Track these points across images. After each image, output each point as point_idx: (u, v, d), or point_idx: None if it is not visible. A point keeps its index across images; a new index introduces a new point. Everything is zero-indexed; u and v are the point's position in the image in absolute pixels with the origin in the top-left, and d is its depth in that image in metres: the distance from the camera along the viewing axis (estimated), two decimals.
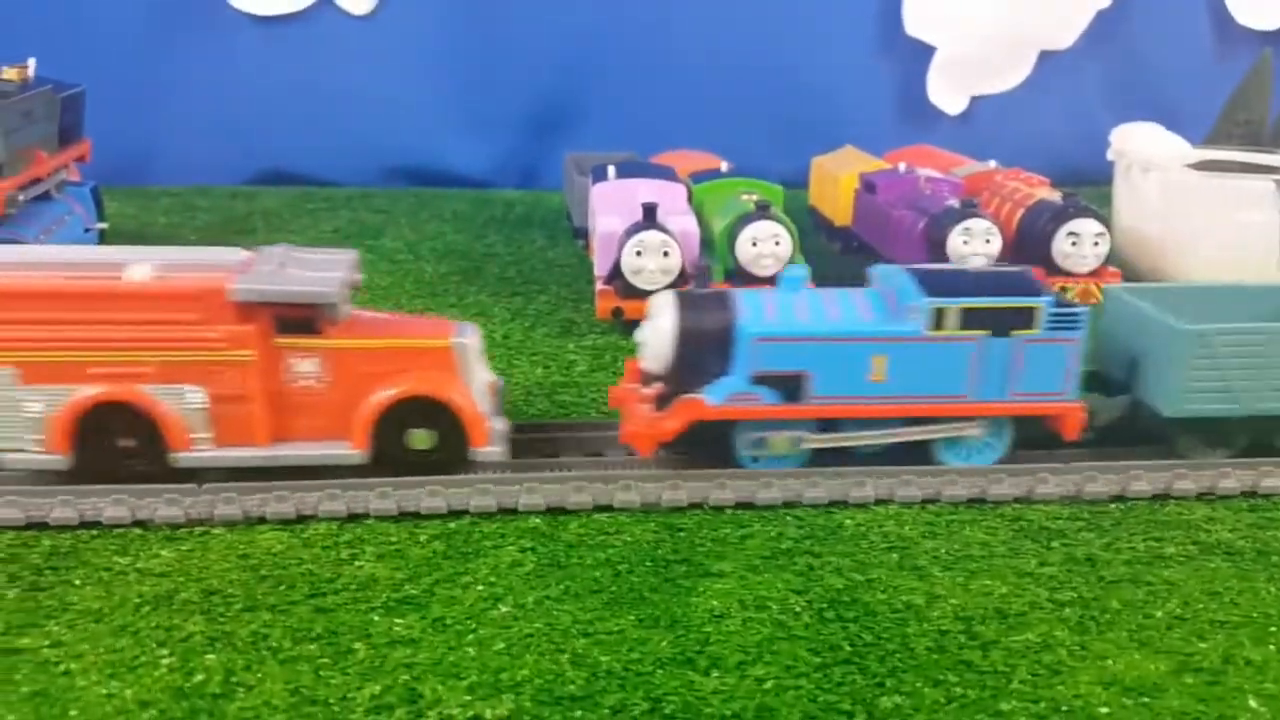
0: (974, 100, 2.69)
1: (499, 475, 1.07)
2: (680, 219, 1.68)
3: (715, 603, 0.91)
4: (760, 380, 1.08)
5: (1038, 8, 2.59)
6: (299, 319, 1.02)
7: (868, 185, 1.95)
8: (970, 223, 1.63)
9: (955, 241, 1.63)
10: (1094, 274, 1.67)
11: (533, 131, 2.67)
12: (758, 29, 2.64)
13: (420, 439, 1.05)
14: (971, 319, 1.08)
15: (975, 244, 1.63)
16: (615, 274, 1.59)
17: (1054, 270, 1.66)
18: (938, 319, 1.08)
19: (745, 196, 1.74)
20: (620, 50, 2.63)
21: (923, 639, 0.87)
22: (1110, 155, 1.97)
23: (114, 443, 1.03)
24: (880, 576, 0.96)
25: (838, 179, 2.10)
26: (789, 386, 1.08)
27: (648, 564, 0.97)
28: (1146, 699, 0.80)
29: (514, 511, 1.05)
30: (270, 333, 1.02)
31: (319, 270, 1.05)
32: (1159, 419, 1.14)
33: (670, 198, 1.76)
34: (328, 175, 2.62)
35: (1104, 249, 1.66)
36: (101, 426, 1.02)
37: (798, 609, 0.90)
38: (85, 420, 1.01)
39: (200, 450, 1.03)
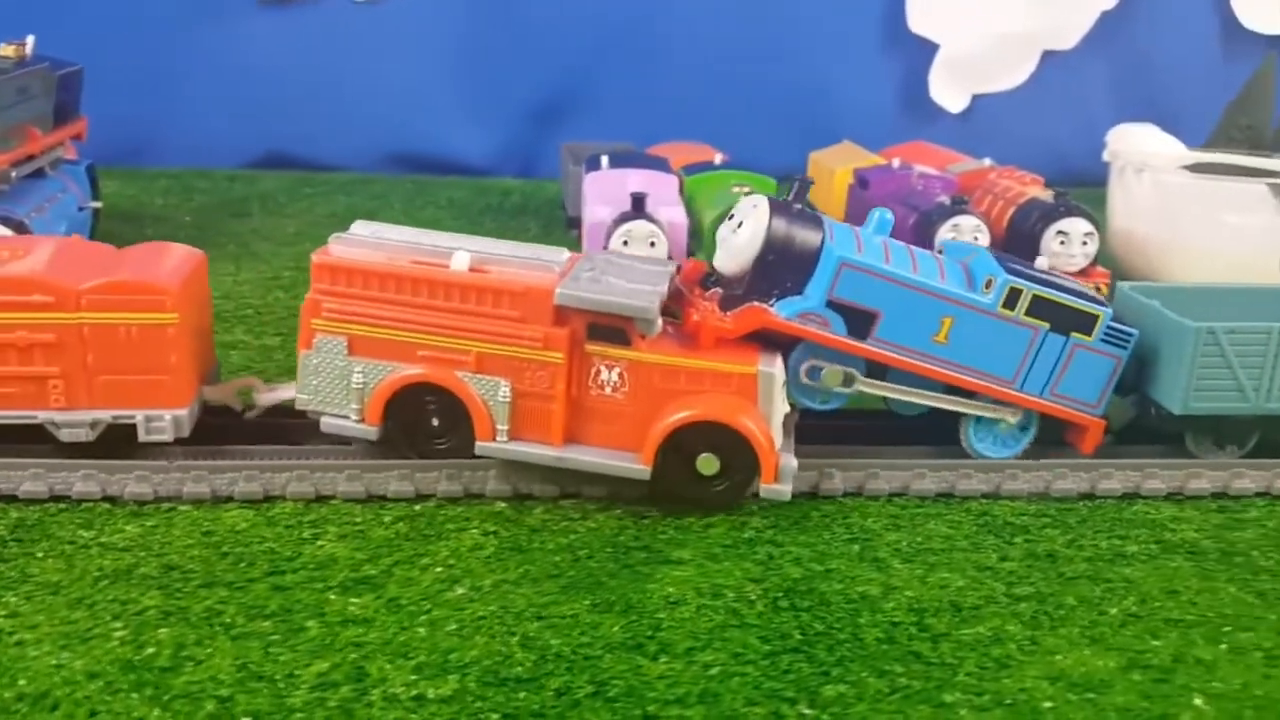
0: (976, 98, 2.68)
1: (467, 461, 1.07)
2: (669, 209, 1.68)
3: (671, 589, 0.91)
4: (834, 306, 1.07)
5: (1041, 7, 2.58)
6: (612, 329, 1.02)
7: (861, 181, 1.94)
8: (959, 219, 1.63)
9: (944, 237, 1.62)
10: (1082, 273, 1.67)
11: (534, 121, 2.68)
12: (762, 22, 2.63)
13: (708, 463, 1.03)
14: (1039, 308, 1.09)
15: (963, 241, 1.62)
16: None
17: None
18: (1010, 298, 1.09)
19: (736, 189, 1.74)
20: (623, 41, 2.63)
21: (874, 629, 0.87)
22: (1106, 156, 1.96)
23: (426, 422, 1.05)
24: (839, 567, 0.96)
25: (833, 174, 2.09)
26: (859, 321, 1.08)
27: (608, 550, 0.97)
28: (1092, 694, 0.80)
29: (480, 496, 1.06)
30: (582, 338, 1.03)
31: (639, 282, 1.05)
32: (1170, 417, 1.13)
33: (661, 188, 1.76)
34: (330, 160, 2.64)
35: (1092, 248, 1.65)
36: (414, 405, 1.05)
37: (753, 597, 0.91)
38: (402, 397, 1.04)
39: (500, 442, 1.03)
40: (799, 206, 1.11)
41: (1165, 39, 2.67)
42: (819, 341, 1.08)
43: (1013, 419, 1.12)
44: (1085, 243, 1.64)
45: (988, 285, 1.09)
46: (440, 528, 1.00)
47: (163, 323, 1.03)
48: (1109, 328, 1.11)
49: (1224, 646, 0.87)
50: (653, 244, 1.59)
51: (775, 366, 1.05)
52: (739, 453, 1.02)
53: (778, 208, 1.09)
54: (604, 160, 1.84)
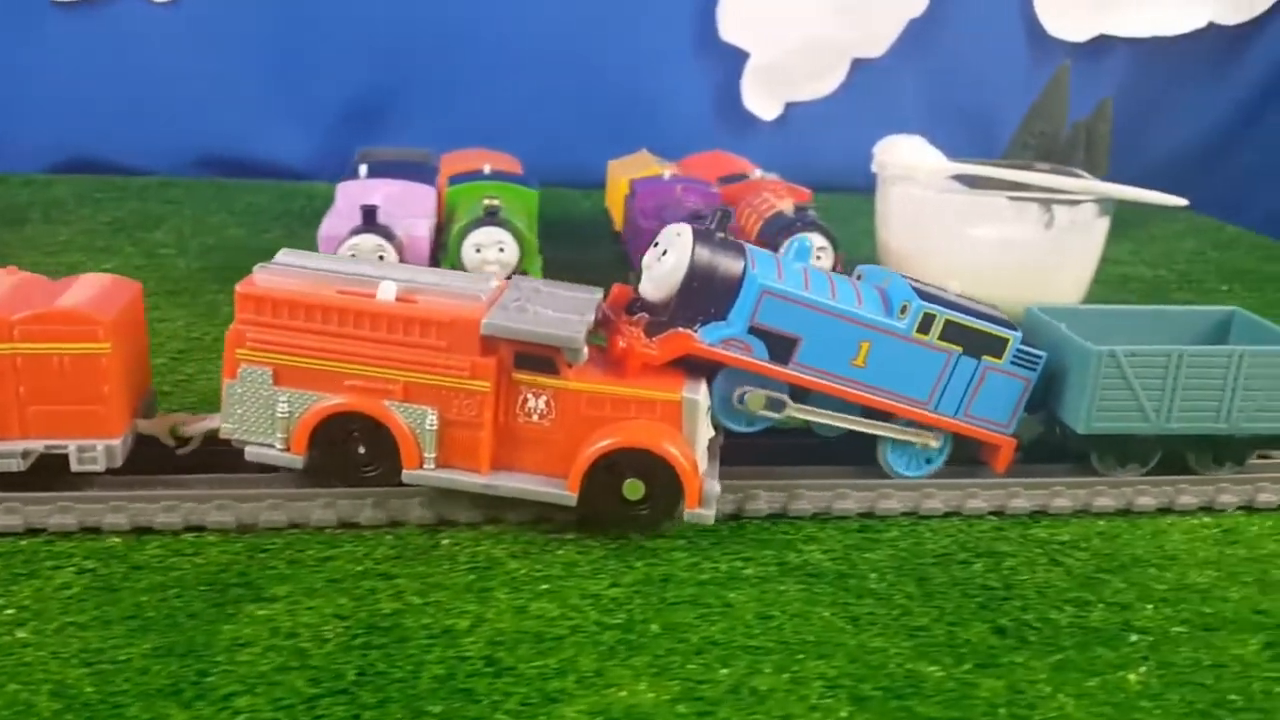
0: (789, 107, 2.69)
1: (85, 494, 1.04)
2: (411, 223, 1.66)
3: (248, 630, 0.90)
4: (756, 332, 1.10)
5: (849, 16, 2.60)
6: (539, 357, 1.04)
7: (632, 190, 1.94)
8: None
9: None
10: None
11: (353, 123, 2.63)
12: (584, 28, 2.61)
13: (633, 488, 1.05)
14: (952, 332, 1.14)
15: None
16: None
17: None
18: (925, 323, 1.13)
19: (487, 201, 1.72)
20: (446, 44, 2.60)
21: (438, 666, 0.86)
22: (874, 167, 1.98)
23: (352, 450, 1.06)
24: (441, 599, 0.95)
25: (618, 183, 2.09)
26: (780, 347, 1.11)
27: (203, 588, 0.95)
28: None
29: (96, 531, 1.03)
30: (509, 367, 1.04)
31: (565, 311, 1.07)
32: (1074, 436, 1.18)
33: (414, 200, 1.74)
34: (139, 163, 2.57)
35: (826, 263, 1.67)
36: (342, 433, 1.05)
37: (328, 636, 0.89)
38: (328, 426, 1.04)
39: (427, 470, 1.04)
40: (721, 235, 1.13)
41: (973, 46, 2.69)
42: (742, 367, 1.10)
43: (934, 443, 1.16)
44: (819, 257, 1.66)
45: (903, 310, 1.13)
46: (37, 565, 0.97)
47: (96, 353, 1.03)
48: (1018, 350, 1.16)
49: (787, 676, 0.87)
50: (381, 257, 1.57)
51: (700, 393, 1.07)
52: (664, 478, 1.05)
53: (701, 236, 1.11)
54: (361, 170, 1.82)
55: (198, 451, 1.12)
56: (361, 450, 1.06)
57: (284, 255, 1.09)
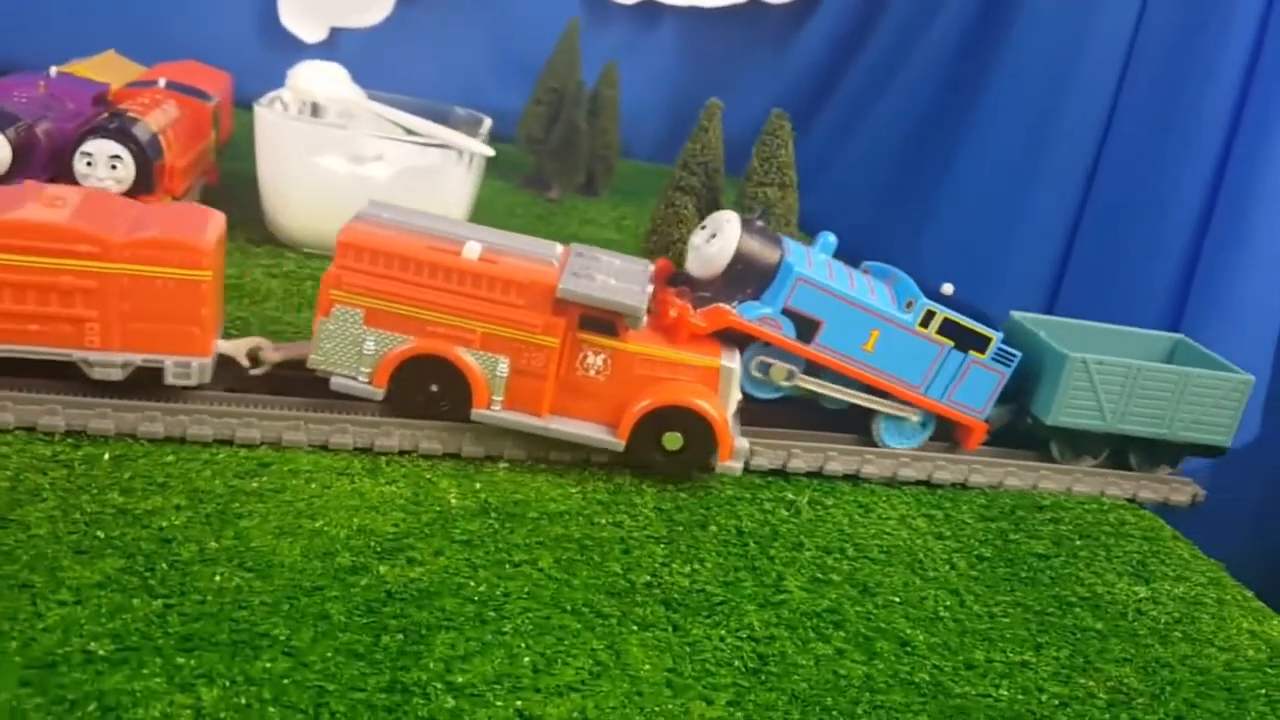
0: (335, 32, 2.64)
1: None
2: None
3: None
4: (788, 314, 1.26)
5: None
6: (603, 320, 1.18)
7: None
8: None
9: None
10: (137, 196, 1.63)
11: None
12: None
13: (673, 440, 1.21)
14: (947, 328, 1.31)
15: None
16: None
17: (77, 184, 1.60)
18: (927, 318, 1.30)
19: None
20: None
21: None
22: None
23: (428, 387, 1.18)
24: None
25: None
26: (805, 327, 1.27)
27: None
28: None
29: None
30: (575, 326, 1.18)
31: (625, 280, 1.20)
32: (1041, 426, 1.38)
33: None
34: None
35: (125, 173, 1.60)
36: (420, 372, 1.18)
37: None
38: (409, 365, 1.17)
39: (494, 410, 1.18)
40: (761, 225, 1.30)
41: None
42: (773, 342, 1.27)
43: (915, 418, 1.34)
44: (115, 166, 1.60)
45: (909, 306, 1.31)
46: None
47: (198, 279, 1.12)
48: (999, 349, 1.33)
49: None
50: None
51: (734, 361, 1.24)
52: (700, 432, 1.20)
53: (747, 225, 1.28)
54: None
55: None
56: (435, 388, 1.17)
57: (371, 206, 1.21)
